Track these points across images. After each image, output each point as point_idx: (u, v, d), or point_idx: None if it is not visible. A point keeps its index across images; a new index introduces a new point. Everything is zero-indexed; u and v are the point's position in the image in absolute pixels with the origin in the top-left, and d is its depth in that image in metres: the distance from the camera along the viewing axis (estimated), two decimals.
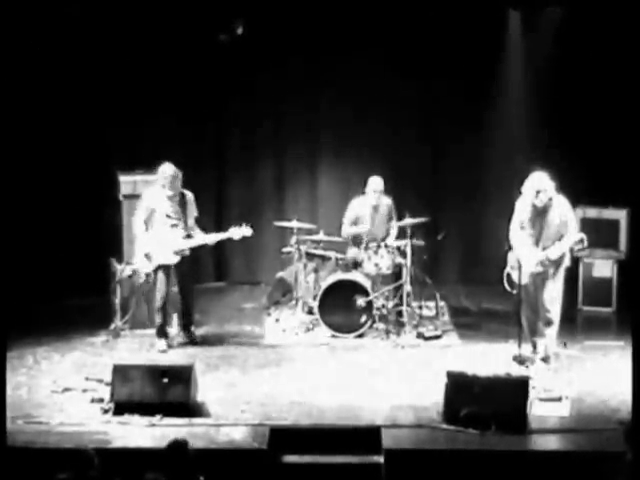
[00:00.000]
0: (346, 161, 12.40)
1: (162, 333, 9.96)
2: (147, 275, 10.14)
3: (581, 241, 8.96)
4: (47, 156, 11.28)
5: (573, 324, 10.64)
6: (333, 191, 12.34)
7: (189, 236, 9.89)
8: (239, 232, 9.95)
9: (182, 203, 9.87)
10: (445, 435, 7.75)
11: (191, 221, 9.94)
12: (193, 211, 9.95)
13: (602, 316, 11.21)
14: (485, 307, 11.46)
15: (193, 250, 10.01)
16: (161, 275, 9.88)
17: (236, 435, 7.73)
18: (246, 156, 12.45)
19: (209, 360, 9.53)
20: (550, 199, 9.04)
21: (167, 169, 9.79)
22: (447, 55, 11.88)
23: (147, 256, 9.81)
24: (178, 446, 6.30)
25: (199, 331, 10.31)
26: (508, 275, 9.27)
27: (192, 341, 10.09)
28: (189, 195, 9.94)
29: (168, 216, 9.82)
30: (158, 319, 9.95)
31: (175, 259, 9.85)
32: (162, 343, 9.92)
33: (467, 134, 12.13)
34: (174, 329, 10.25)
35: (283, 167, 12.54)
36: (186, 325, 10.14)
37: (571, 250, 9.21)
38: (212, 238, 10.04)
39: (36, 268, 11.14)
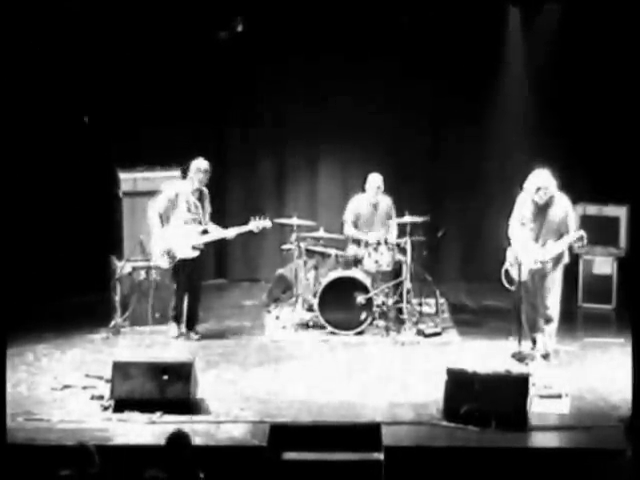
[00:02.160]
0: (346, 158, 12.41)
1: (177, 320, 10.05)
2: (158, 271, 10.18)
3: (581, 238, 8.97)
4: (47, 154, 11.28)
5: (573, 321, 10.64)
6: (333, 188, 12.34)
7: (205, 231, 9.93)
8: (259, 224, 10.00)
9: (201, 198, 9.93)
10: (445, 432, 7.74)
11: (207, 217, 9.98)
12: (208, 207, 10.01)
13: (602, 313, 11.22)
14: (485, 304, 11.47)
15: (207, 246, 10.05)
16: (181, 270, 9.94)
17: (236, 432, 7.73)
18: (246, 153, 12.46)
19: (209, 357, 9.54)
20: (551, 196, 9.05)
21: (203, 163, 9.89)
22: (447, 53, 11.87)
23: (169, 252, 9.84)
24: (179, 438, 6.30)
25: (199, 328, 10.30)
26: (506, 272, 9.27)
27: (195, 337, 10.11)
28: (205, 191, 10.01)
29: (189, 210, 9.87)
30: (173, 310, 10.06)
31: (194, 254, 9.89)
32: (175, 329, 10.00)
33: (467, 131, 12.13)
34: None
35: (283, 164, 12.55)
36: (191, 321, 10.16)
37: (571, 247, 9.22)
38: (231, 232, 10.08)
39: (36, 265, 11.14)
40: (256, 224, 10.02)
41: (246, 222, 10.06)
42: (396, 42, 11.83)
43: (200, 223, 9.93)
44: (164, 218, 9.90)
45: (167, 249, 9.87)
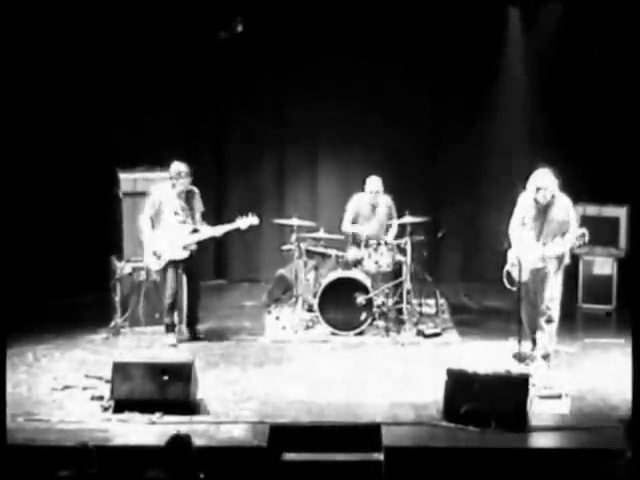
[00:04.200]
0: (346, 159, 12.42)
1: (171, 328, 10.01)
2: (156, 272, 10.17)
3: (583, 235, 8.95)
4: (48, 154, 11.30)
5: (573, 322, 10.64)
6: (333, 189, 12.35)
7: (196, 230, 9.93)
8: (246, 221, 9.99)
9: (189, 199, 9.94)
10: (445, 432, 7.74)
11: (198, 216, 9.99)
12: (199, 206, 10.01)
13: (602, 314, 11.21)
14: (485, 304, 11.47)
15: (199, 245, 10.05)
16: (170, 271, 9.92)
17: (236, 433, 7.72)
18: (246, 154, 12.47)
19: (209, 358, 9.54)
20: (553, 196, 9.04)
21: (180, 167, 9.85)
22: (447, 53, 11.89)
23: (155, 254, 9.84)
24: (180, 441, 6.29)
25: (200, 328, 10.29)
26: (508, 273, 9.26)
27: (196, 338, 10.12)
28: (195, 190, 10.00)
29: (176, 212, 9.88)
30: (167, 314, 10.00)
31: (184, 254, 9.89)
32: (171, 337, 9.97)
33: (467, 132, 12.15)
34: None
35: (283, 165, 12.56)
36: (191, 322, 10.16)
37: (572, 246, 9.19)
38: (219, 230, 10.08)
39: (36, 266, 11.15)
40: (243, 221, 10.01)
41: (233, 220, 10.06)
42: (396, 43, 11.83)
43: (190, 223, 9.91)
44: (155, 221, 9.91)
45: (154, 250, 9.87)
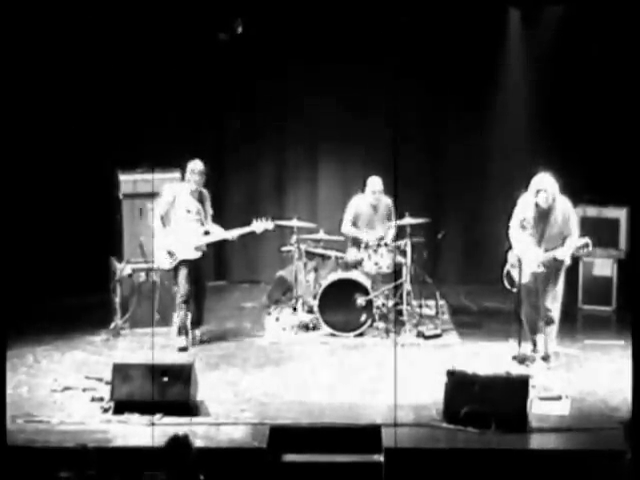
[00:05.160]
0: (346, 160, 12.40)
1: (183, 330, 9.93)
2: (159, 272, 10.17)
3: (586, 245, 8.97)
4: (47, 155, 11.29)
5: (573, 323, 10.63)
6: (333, 190, 12.33)
7: (207, 232, 9.93)
8: (261, 226, 10.00)
9: (201, 200, 9.92)
10: (445, 434, 7.74)
11: (208, 218, 9.98)
12: (209, 208, 10.01)
13: (602, 315, 11.21)
14: (485, 306, 11.45)
15: (209, 247, 10.08)
16: (184, 271, 9.88)
17: (236, 434, 7.73)
18: (246, 155, 12.45)
19: (209, 359, 9.54)
20: (554, 199, 9.04)
21: (198, 165, 9.88)
22: (447, 54, 11.87)
23: (170, 253, 9.83)
24: (179, 442, 6.28)
25: (200, 330, 10.29)
26: (508, 274, 9.27)
27: (201, 340, 10.09)
28: (206, 192, 10.01)
29: (188, 211, 9.87)
30: (180, 316, 9.92)
31: (197, 255, 9.88)
32: (182, 340, 9.89)
33: (467, 133, 12.13)
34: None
35: (283, 166, 12.54)
36: (196, 324, 10.13)
37: (575, 253, 9.20)
38: (233, 233, 10.06)
39: (36, 267, 11.15)
40: (258, 225, 10.02)
41: (248, 223, 10.06)
42: (396, 43, 11.81)
43: (202, 224, 9.94)
44: (165, 220, 9.90)
45: (168, 250, 9.87)
